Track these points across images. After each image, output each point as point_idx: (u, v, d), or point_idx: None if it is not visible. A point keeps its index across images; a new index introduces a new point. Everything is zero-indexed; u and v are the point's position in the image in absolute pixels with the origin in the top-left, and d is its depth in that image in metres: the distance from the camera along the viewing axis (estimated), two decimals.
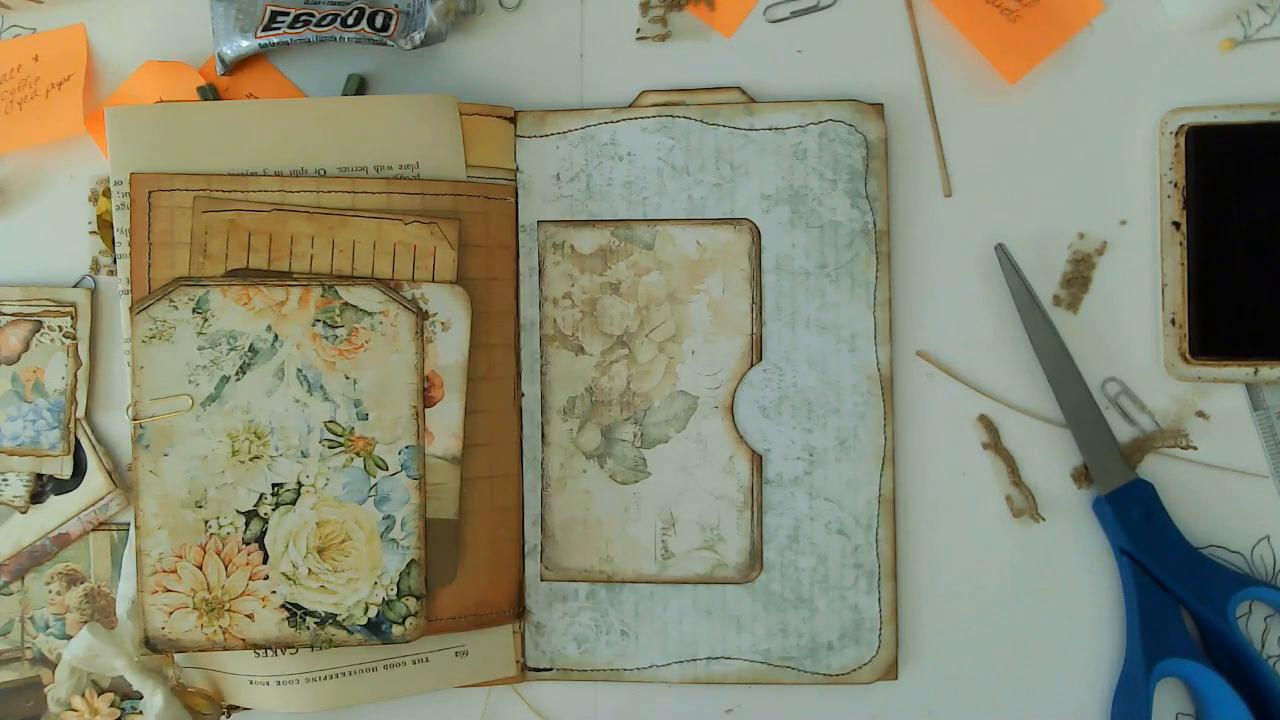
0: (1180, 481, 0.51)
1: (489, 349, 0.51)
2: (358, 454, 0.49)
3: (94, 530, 0.54)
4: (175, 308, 0.49)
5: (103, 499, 0.54)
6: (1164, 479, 0.51)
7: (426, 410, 0.50)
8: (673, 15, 0.54)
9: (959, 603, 0.52)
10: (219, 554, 0.49)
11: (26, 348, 0.54)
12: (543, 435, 0.53)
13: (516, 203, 0.53)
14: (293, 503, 0.49)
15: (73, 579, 0.54)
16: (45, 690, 0.54)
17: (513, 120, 0.53)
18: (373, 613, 0.49)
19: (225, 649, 0.49)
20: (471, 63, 0.55)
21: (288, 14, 0.53)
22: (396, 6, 0.53)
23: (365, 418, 0.50)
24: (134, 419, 0.49)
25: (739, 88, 0.53)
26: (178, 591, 0.49)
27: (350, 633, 0.49)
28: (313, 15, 0.53)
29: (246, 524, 0.49)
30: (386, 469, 0.50)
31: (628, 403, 0.52)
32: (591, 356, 0.53)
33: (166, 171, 0.50)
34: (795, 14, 0.54)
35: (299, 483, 0.49)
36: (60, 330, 0.54)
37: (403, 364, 0.50)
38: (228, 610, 0.49)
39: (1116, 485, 0.50)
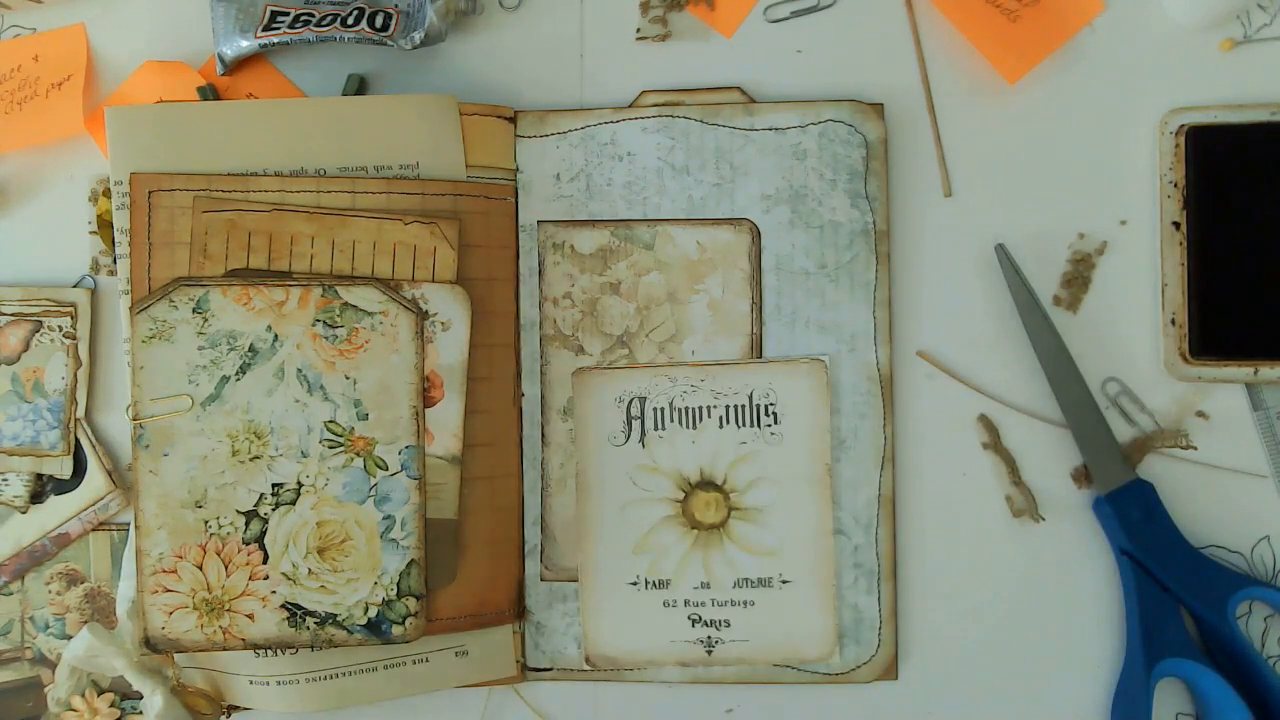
0: (1180, 481, 0.51)
1: (489, 349, 0.51)
2: (358, 454, 0.50)
3: (94, 530, 0.54)
4: (175, 308, 0.49)
5: (103, 499, 0.54)
6: (1164, 479, 0.51)
7: (426, 410, 0.50)
8: (673, 15, 0.54)
9: (959, 603, 0.52)
10: (219, 554, 0.49)
11: (26, 348, 0.54)
12: (543, 435, 0.53)
13: (516, 203, 0.53)
14: (293, 503, 0.49)
15: (73, 579, 0.55)
16: (45, 690, 0.54)
17: (513, 120, 0.53)
18: (373, 613, 0.49)
19: (225, 649, 0.49)
20: (471, 63, 0.55)
21: (288, 14, 0.53)
22: (396, 6, 0.53)
23: (365, 418, 0.50)
24: (134, 419, 0.49)
25: (739, 88, 0.53)
26: (178, 591, 0.49)
27: (350, 633, 0.49)
28: (313, 15, 0.53)
29: (246, 524, 0.49)
30: (386, 469, 0.50)
31: None
32: (591, 356, 0.53)
33: (166, 171, 0.50)
34: (795, 14, 0.54)
35: (299, 483, 0.49)
36: (60, 330, 0.54)
37: (403, 364, 0.50)
38: (228, 610, 0.49)
39: (1116, 485, 0.50)
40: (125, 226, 0.50)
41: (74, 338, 0.54)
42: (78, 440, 0.54)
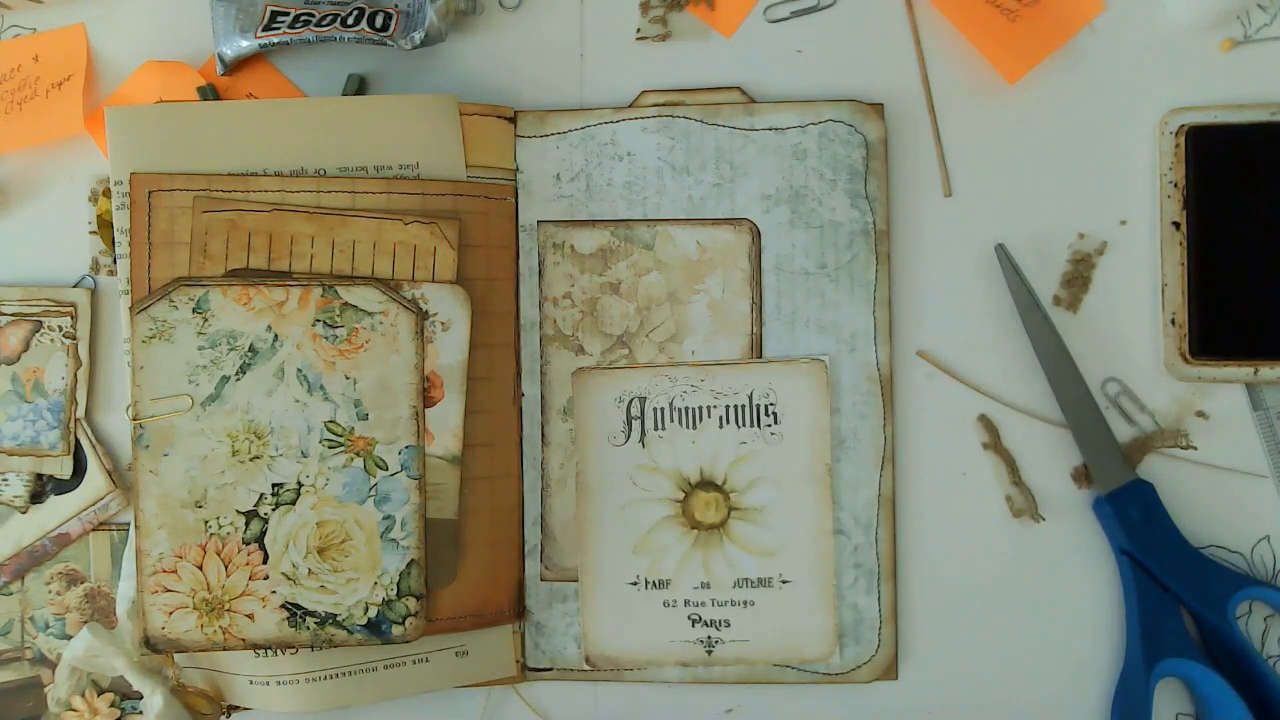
0: (1180, 481, 0.51)
1: (489, 349, 0.51)
2: (358, 454, 0.50)
3: (94, 530, 0.54)
4: (175, 308, 0.49)
5: (103, 499, 0.54)
6: (1164, 479, 0.51)
7: (426, 410, 0.50)
8: (673, 15, 0.54)
9: (959, 603, 0.52)
10: (219, 554, 0.49)
11: (26, 348, 0.54)
12: (543, 435, 0.53)
13: (516, 203, 0.53)
14: (293, 503, 0.49)
15: (73, 579, 0.55)
16: (45, 690, 0.54)
17: (513, 120, 0.53)
18: (373, 613, 0.49)
19: (225, 649, 0.49)
20: (471, 63, 0.55)
21: (288, 14, 0.53)
22: (396, 6, 0.53)
23: (365, 418, 0.50)
24: (134, 419, 0.49)
25: (739, 88, 0.53)
26: (178, 591, 0.49)
27: (350, 633, 0.49)
28: (313, 15, 0.53)
29: (246, 524, 0.49)
30: (386, 469, 0.50)
31: None
32: (591, 356, 0.53)
33: (166, 171, 0.50)
34: (795, 14, 0.54)
35: (299, 483, 0.49)
36: (60, 330, 0.54)
37: (403, 364, 0.50)
38: (228, 610, 0.49)
39: (1116, 485, 0.50)
40: (125, 226, 0.49)
41: (74, 338, 0.54)
42: (78, 440, 0.54)
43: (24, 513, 0.54)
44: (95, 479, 0.54)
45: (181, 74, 0.55)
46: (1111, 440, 0.51)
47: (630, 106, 0.53)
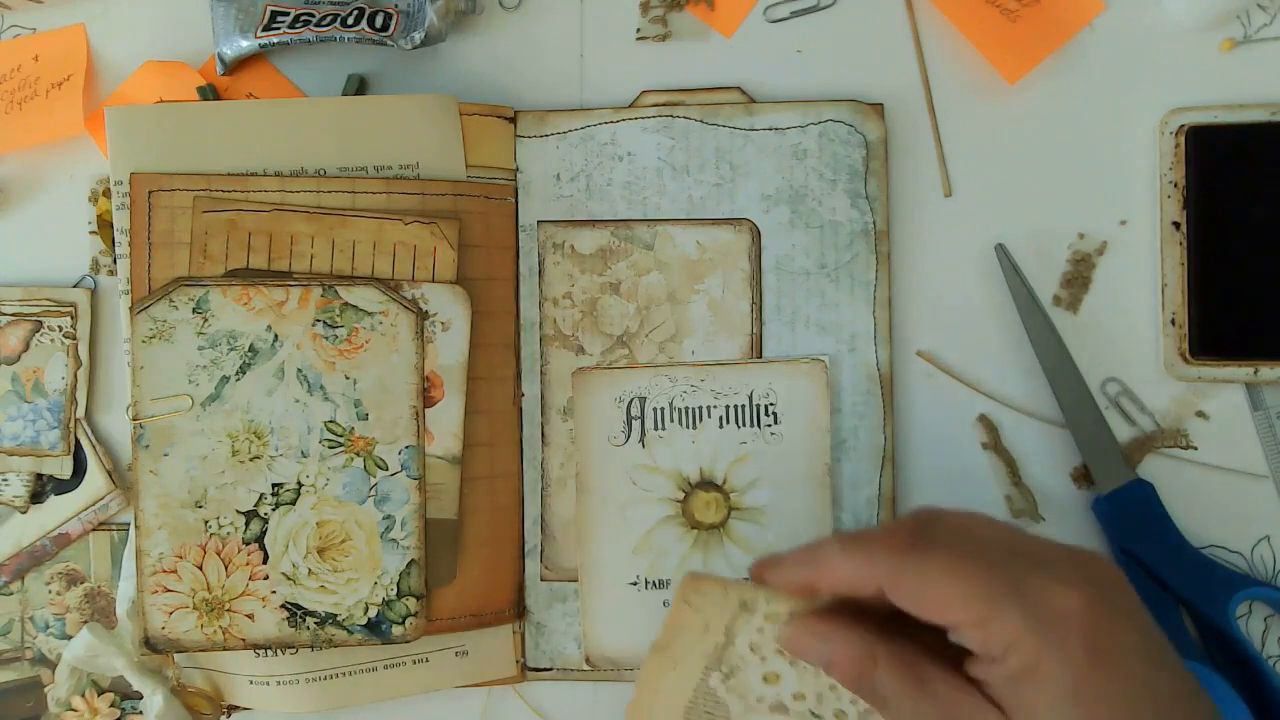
0: (1180, 481, 0.51)
1: (489, 349, 0.51)
2: (358, 454, 0.50)
3: (94, 530, 0.54)
4: (175, 308, 0.49)
5: (103, 499, 0.54)
6: (1164, 479, 0.51)
7: (426, 410, 0.50)
8: (673, 15, 0.54)
9: None
10: (219, 554, 0.49)
11: (26, 348, 0.54)
12: (543, 435, 0.53)
13: (516, 203, 0.53)
14: (293, 503, 0.49)
15: (73, 579, 0.55)
16: (45, 690, 0.54)
17: (513, 120, 0.53)
18: (373, 613, 0.49)
19: (225, 649, 0.49)
20: (471, 63, 0.55)
21: (288, 14, 0.53)
22: (396, 6, 0.53)
23: (365, 418, 0.50)
24: (134, 419, 0.49)
25: (739, 88, 0.53)
26: (178, 591, 0.49)
27: (350, 633, 0.49)
28: (313, 15, 0.53)
29: (246, 524, 0.49)
30: (386, 469, 0.50)
31: None
32: (591, 356, 0.53)
33: (166, 171, 0.50)
34: (795, 14, 0.54)
35: (299, 483, 0.49)
36: (60, 330, 0.54)
37: (403, 364, 0.50)
38: (228, 610, 0.49)
39: (1116, 485, 0.50)
40: (125, 226, 0.50)
41: (74, 338, 0.54)
42: (78, 440, 0.54)
43: (24, 513, 0.54)
44: (95, 479, 0.54)
45: (181, 74, 0.55)
46: (1111, 440, 0.51)
47: (630, 106, 0.53)
